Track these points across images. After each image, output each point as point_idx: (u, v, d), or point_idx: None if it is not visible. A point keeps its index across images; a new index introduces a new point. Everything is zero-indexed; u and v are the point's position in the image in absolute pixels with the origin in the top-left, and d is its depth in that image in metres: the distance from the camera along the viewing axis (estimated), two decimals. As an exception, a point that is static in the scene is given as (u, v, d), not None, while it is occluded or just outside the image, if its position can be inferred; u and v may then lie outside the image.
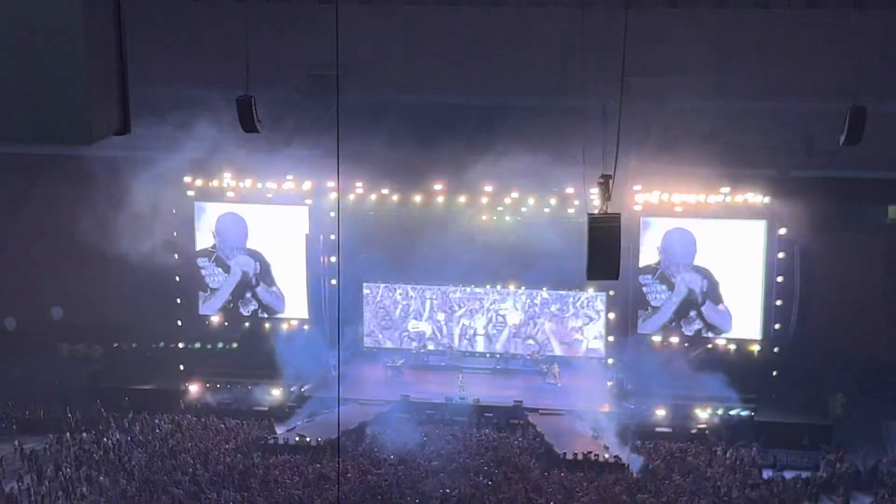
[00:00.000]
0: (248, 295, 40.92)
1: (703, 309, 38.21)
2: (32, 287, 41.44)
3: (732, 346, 38.04)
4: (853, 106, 24.23)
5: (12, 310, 41.57)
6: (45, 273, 41.29)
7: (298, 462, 33.59)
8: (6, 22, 5.06)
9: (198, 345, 40.93)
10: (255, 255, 40.59)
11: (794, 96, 36.21)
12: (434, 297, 41.37)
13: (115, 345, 41.59)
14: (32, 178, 40.40)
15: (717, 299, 38.07)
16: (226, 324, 40.91)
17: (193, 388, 38.78)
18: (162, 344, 40.92)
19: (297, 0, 35.61)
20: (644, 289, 38.49)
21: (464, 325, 41.37)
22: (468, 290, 41.03)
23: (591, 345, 40.47)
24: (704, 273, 37.96)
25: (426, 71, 38.17)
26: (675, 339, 38.36)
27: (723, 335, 38.15)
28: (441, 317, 41.49)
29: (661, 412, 36.17)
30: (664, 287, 38.37)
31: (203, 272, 40.85)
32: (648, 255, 38.25)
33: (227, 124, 30.36)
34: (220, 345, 41.12)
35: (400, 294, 41.55)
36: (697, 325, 38.32)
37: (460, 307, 41.29)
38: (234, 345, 41.11)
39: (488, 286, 40.87)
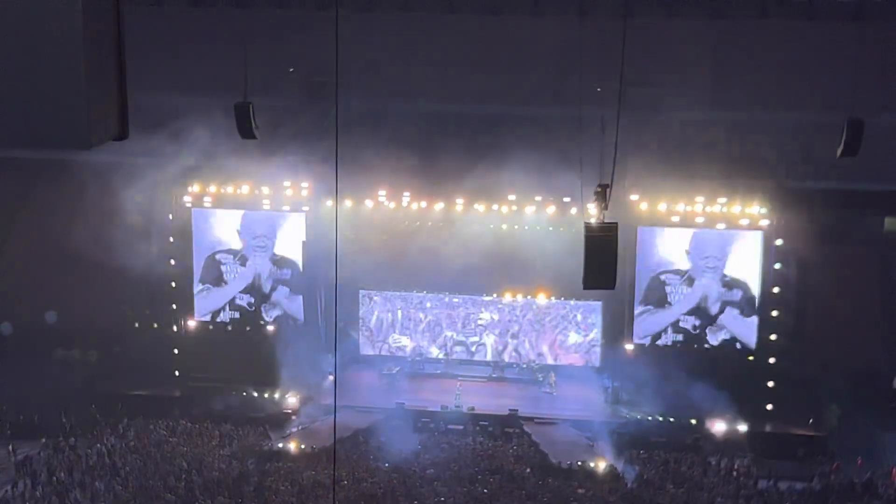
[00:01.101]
0: (274, 299, 40.52)
1: (723, 318, 37.92)
2: (28, 292, 41.36)
3: (728, 357, 37.95)
4: (851, 118, 24.28)
5: (8, 315, 41.50)
6: (40, 278, 41.22)
7: (293, 469, 33.56)
8: (4, 26, 5.05)
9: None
10: (287, 263, 40.24)
11: (792, 107, 36.25)
12: (412, 307, 41.27)
13: (110, 349, 41.48)
14: (28, 183, 40.35)
15: (748, 311, 37.79)
16: (228, 328, 40.67)
17: (188, 394, 38.72)
18: (157, 349, 40.81)
19: (296, 7, 35.59)
20: (667, 288, 38.20)
21: (446, 335, 41.31)
22: (459, 298, 41.01)
23: (587, 354, 40.46)
24: (738, 285, 37.70)
25: (424, 79, 38.18)
26: (669, 347, 38.25)
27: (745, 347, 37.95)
28: (420, 328, 41.37)
29: (656, 422, 36.16)
30: (690, 290, 38.20)
31: (223, 267, 40.42)
32: (678, 259, 38.03)
33: (224, 130, 30.39)
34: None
35: (377, 301, 41.44)
36: (724, 335, 38.09)
37: (444, 318, 41.24)
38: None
39: (485, 296, 40.87)
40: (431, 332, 41.34)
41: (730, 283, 37.71)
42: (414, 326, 41.42)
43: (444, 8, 35.82)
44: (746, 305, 37.72)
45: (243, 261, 40.21)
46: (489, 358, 41.02)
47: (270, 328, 40.25)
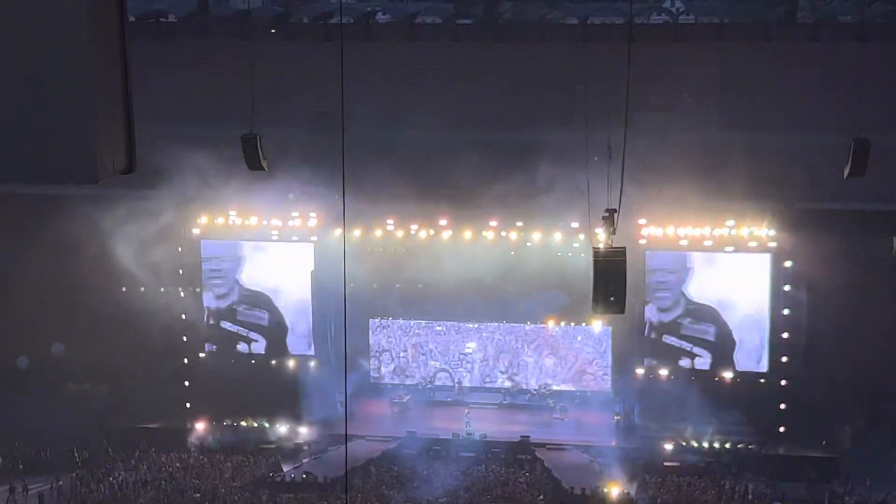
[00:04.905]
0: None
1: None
2: (40, 326, 41.38)
3: (740, 380, 37.81)
4: (857, 138, 24.25)
5: (23, 349, 41.52)
6: (52, 312, 41.23)
7: (306, 499, 33.49)
8: (12, 59, 5.09)
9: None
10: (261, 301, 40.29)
11: (798, 129, 36.24)
12: (422, 335, 41.25)
13: (122, 383, 41.41)
14: (38, 217, 40.42)
15: (719, 351, 37.53)
16: (233, 361, 40.58)
17: (200, 426, 38.66)
18: (168, 381, 40.72)
19: (302, 38, 35.77)
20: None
21: (455, 362, 41.25)
22: (469, 324, 40.91)
23: (598, 379, 40.29)
24: (705, 315, 37.52)
25: (430, 107, 38.24)
26: (680, 373, 38.07)
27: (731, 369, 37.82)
28: (429, 356, 41.33)
29: (668, 446, 36.00)
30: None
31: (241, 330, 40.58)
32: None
33: (232, 162, 30.44)
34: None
35: (387, 329, 41.39)
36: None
37: (453, 345, 41.19)
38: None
39: (494, 321, 40.72)
40: (442, 358, 41.23)
41: (695, 313, 37.56)
42: (428, 353, 41.32)
43: (449, 36, 36.04)
44: (718, 342, 37.53)
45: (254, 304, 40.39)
46: (499, 383, 40.87)
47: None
